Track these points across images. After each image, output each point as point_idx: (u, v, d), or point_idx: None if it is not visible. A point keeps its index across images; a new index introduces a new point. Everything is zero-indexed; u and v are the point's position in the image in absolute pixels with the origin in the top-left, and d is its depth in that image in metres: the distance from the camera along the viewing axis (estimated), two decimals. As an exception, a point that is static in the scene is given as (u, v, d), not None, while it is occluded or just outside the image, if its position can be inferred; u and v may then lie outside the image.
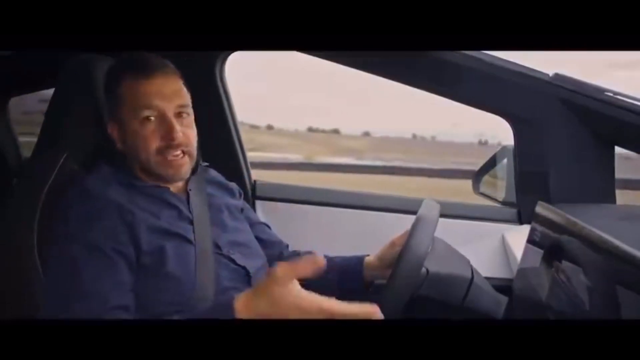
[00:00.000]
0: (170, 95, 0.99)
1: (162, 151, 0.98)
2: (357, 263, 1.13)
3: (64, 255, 0.90)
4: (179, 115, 1.00)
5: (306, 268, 0.75)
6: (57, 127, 1.08)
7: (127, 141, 1.00)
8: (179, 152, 0.99)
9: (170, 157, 0.99)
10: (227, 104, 1.51)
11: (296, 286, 0.76)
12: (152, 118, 0.98)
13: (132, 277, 0.91)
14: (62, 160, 1.03)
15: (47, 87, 1.45)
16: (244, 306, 0.77)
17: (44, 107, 1.13)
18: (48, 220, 0.96)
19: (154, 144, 0.98)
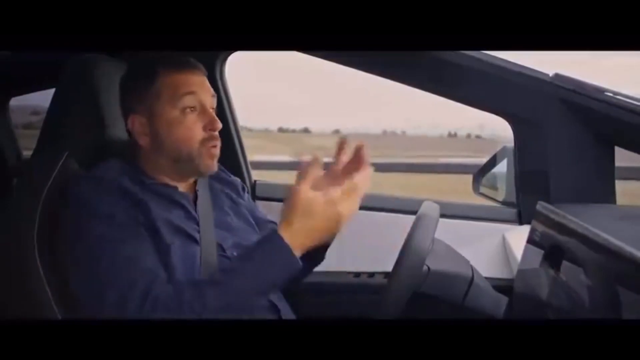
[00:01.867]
0: (209, 89, 1.03)
1: (205, 142, 1.00)
2: None
3: (96, 241, 0.89)
4: (213, 110, 1.03)
5: (311, 169, 0.84)
6: (57, 127, 1.08)
7: (161, 133, 1.00)
8: (216, 142, 1.02)
9: (211, 148, 1.01)
10: (227, 104, 1.51)
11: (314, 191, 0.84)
12: (194, 109, 1.00)
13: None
14: (62, 160, 1.03)
15: (47, 87, 1.45)
16: (287, 227, 0.83)
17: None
18: (49, 220, 0.96)
19: (198, 134, 0.99)
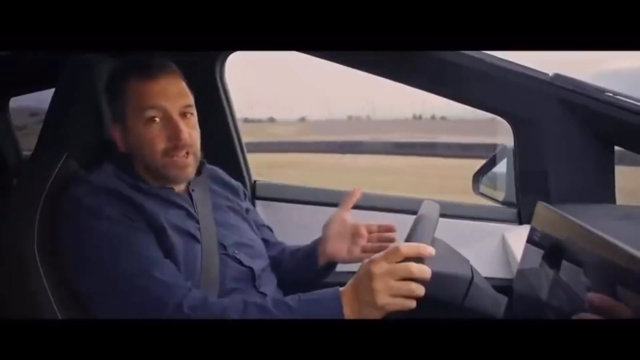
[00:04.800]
0: (174, 95, 0.99)
1: (168, 152, 0.98)
2: (312, 245, 1.16)
3: (107, 241, 0.90)
4: (183, 115, 1.00)
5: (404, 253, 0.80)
6: (57, 127, 1.08)
7: (131, 143, 1.00)
8: (184, 152, 0.99)
9: (175, 158, 0.99)
10: (227, 104, 1.51)
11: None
12: (157, 119, 0.98)
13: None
14: (62, 160, 1.02)
15: (47, 87, 1.45)
16: (349, 296, 0.82)
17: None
18: (49, 221, 0.96)
19: (160, 145, 0.98)
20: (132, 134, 0.99)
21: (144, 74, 0.99)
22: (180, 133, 0.97)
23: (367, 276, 0.80)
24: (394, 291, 0.79)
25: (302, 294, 0.87)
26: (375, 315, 0.80)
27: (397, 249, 0.79)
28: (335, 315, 0.81)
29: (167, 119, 0.98)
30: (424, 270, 0.79)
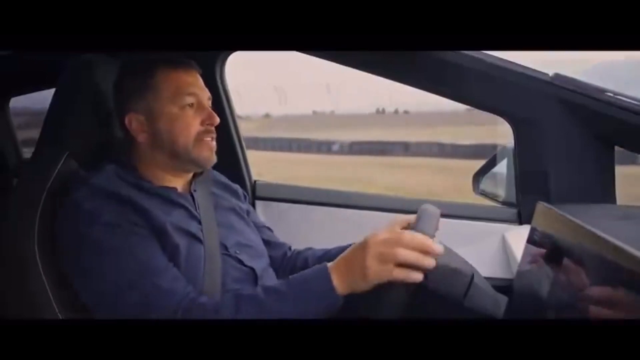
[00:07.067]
0: (202, 86, 1.07)
1: (200, 135, 1.03)
2: None
3: (105, 253, 0.90)
4: (208, 105, 1.06)
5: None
6: (58, 127, 1.08)
7: (160, 129, 1.02)
8: (211, 136, 1.05)
9: (206, 141, 1.04)
10: (227, 104, 1.51)
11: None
12: (193, 105, 1.03)
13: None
14: (62, 160, 1.03)
15: (47, 87, 1.45)
16: (339, 268, 0.84)
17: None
18: (50, 221, 0.96)
19: (195, 128, 1.03)
20: (163, 119, 1.02)
21: (178, 64, 1.05)
22: (213, 117, 1.04)
23: (362, 247, 0.82)
24: (390, 258, 0.80)
25: (291, 276, 0.88)
26: (367, 284, 0.82)
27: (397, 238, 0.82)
28: (326, 291, 0.83)
29: (200, 105, 1.04)
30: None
